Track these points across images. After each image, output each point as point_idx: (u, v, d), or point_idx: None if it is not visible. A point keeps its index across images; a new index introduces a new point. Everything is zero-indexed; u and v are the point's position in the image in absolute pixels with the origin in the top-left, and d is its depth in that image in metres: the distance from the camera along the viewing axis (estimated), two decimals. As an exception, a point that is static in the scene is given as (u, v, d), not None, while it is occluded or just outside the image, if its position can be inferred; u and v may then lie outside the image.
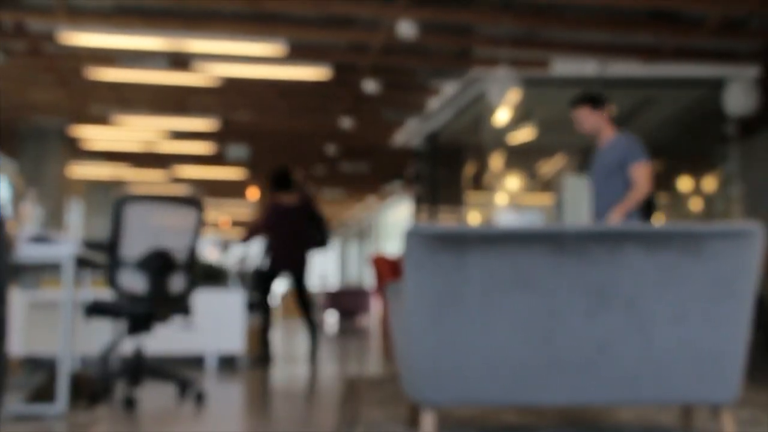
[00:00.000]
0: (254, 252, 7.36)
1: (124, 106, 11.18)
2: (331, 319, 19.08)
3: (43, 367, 6.10)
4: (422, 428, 2.82)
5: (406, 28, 7.33)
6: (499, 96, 7.87)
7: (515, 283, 2.78)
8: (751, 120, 8.67)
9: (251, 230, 7.30)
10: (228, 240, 7.48)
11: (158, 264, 4.17)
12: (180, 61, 9.02)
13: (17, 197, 12.16)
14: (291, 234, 7.12)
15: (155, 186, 17.94)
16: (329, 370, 6.37)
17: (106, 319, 4.27)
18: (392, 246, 20.36)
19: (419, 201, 12.70)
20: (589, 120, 5.10)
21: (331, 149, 13.95)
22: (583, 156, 10.71)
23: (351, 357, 7.83)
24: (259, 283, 7.18)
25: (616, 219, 4.83)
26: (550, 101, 9.73)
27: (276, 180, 7.20)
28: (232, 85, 9.95)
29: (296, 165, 15.31)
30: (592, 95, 5.17)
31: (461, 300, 2.79)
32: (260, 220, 7.27)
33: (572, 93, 9.68)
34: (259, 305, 7.18)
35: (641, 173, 4.89)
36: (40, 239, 3.97)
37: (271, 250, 7.11)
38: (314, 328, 7.14)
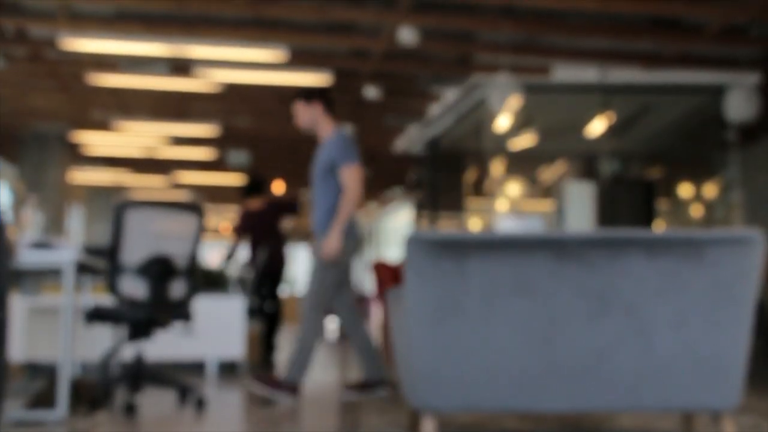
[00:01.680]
0: (242, 258, 7.56)
1: (124, 111, 11.19)
2: (331, 324, 19.04)
3: (43, 373, 6.09)
4: (423, 434, 2.82)
5: (407, 35, 7.33)
6: (500, 102, 7.87)
7: (516, 289, 2.78)
8: (751, 127, 8.67)
9: (234, 241, 7.66)
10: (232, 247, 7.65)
11: (159, 270, 4.16)
12: (181, 66, 9.03)
13: (18, 203, 12.20)
14: (266, 235, 7.50)
15: (156, 192, 17.94)
16: (330, 375, 6.36)
17: (106, 325, 4.27)
18: (393, 252, 20.35)
19: (420, 207, 12.70)
20: (304, 115, 4.80)
21: (331, 155, 13.93)
22: (585, 162, 10.71)
23: (351, 363, 7.82)
24: (259, 287, 7.30)
25: (333, 243, 4.44)
26: (551, 108, 9.74)
27: (251, 186, 7.62)
28: (233, 90, 9.95)
29: (297, 170, 15.30)
30: (306, 89, 4.87)
31: (462, 306, 2.79)
32: (236, 228, 7.66)
33: (573, 99, 9.65)
34: (260, 310, 7.25)
35: (351, 176, 4.53)
36: (40, 245, 3.97)
37: (263, 251, 7.30)
38: (273, 329, 7.47)
